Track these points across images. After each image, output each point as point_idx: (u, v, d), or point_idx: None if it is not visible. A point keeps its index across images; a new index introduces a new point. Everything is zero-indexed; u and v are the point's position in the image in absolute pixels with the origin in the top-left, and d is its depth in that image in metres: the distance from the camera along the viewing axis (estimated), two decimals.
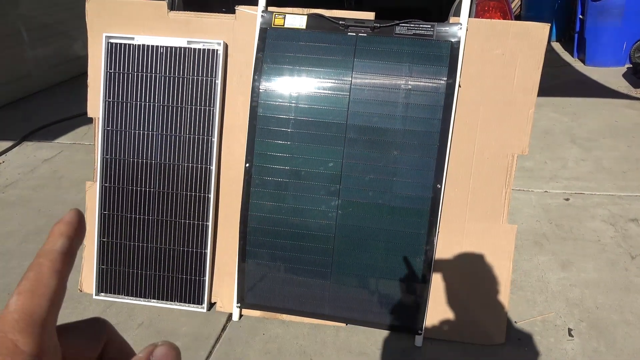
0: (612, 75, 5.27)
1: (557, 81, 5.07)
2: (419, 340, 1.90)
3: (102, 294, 2.10)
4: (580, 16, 5.87)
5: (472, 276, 1.91)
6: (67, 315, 2.06)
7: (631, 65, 5.48)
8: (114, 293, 2.09)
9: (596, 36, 5.59)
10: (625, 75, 5.29)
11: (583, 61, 5.84)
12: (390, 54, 1.81)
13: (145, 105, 1.99)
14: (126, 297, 2.08)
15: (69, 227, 0.26)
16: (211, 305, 2.09)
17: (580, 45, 5.92)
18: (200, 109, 1.97)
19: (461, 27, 1.78)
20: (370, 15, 1.86)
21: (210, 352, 1.88)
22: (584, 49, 5.80)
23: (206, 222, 2.00)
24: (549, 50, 6.37)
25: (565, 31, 6.72)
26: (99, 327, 0.28)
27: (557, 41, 6.82)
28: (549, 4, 6.55)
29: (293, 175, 1.88)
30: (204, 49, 1.95)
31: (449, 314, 1.93)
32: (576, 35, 6.00)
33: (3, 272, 2.34)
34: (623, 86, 4.96)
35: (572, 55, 6.10)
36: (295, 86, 1.86)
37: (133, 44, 1.99)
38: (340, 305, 1.92)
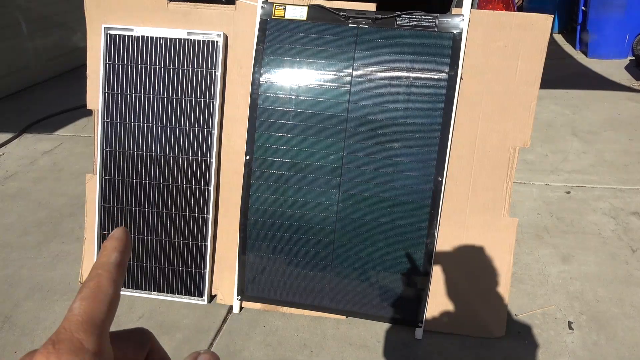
0: (614, 68, 5.25)
1: (559, 73, 5.04)
2: (419, 332, 1.90)
3: None
4: (583, 8, 5.83)
5: (472, 269, 1.91)
6: (67, 307, 2.06)
7: (633, 58, 5.46)
8: None
9: (598, 28, 5.56)
10: (627, 68, 5.26)
11: (585, 53, 5.81)
12: (392, 46, 1.80)
13: (144, 97, 1.98)
14: (127, 290, 2.08)
15: (119, 242, 0.29)
16: (212, 297, 2.09)
17: (583, 37, 5.89)
18: (200, 101, 1.96)
19: (463, 18, 1.77)
20: (371, 7, 1.84)
21: (211, 345, 1.89)
22: (586, 41, 5.76)
23: (206, 214, 2.00)
24: (551, 42, 6.32)
25: (568, 23, 6.68)
26: (144, 336, 0.31)
27: (559, 33, 6.78)
28: None
29: (293, 168, 1.87)
30: (203, 41, 1.94)
31: (449, 307, 1.93)
32: (578, 27, 5.96)
33: (3, 264, 2.34)
34: (625, 79, 4.94)
35: (574, 48, 6.07)
36: (296, 78, 1.85)
37: (132, 35, 1.97)
38: (341, 298, 1.93)
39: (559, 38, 6.61)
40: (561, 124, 3.85)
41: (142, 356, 0.31)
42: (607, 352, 1.83)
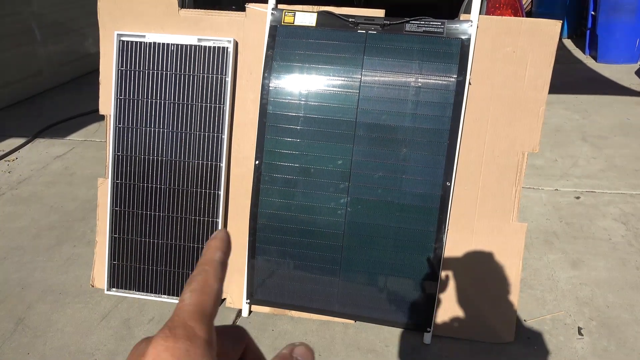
0: (624, 73, 5.22)
1: (568, 78, 5.02)
2: (427, 337, 1.90)
3: (114, 289, 2.12)
4: (592, 12, 5.80)
5: (481, 274, 1.91)
6: (79, 309, 2.09)
7: None
8: (125, 288, 2.11)
9: (608, 33, 5.54)
10: (637, 73, 5.23)
11: (595, 58, 5.78)
12: (400, 52, 1.81)
13: (156, 102, 2.01)
14: (137, 293, 2.10)
15: (222, 242, 0.31)
16: (221, 301, 2.10)
17: (592, 42, 5.86)
18: (210, 107, 1.98)
19: (472, 24, 1.78)
20: (380, 13, 1.86)
21: None
22: (595, 46, 5.74)
23: (216, 218, 2.02)
24: (560, 47, 6.30)
25: (577, 28, 6.66)
26: (241, 333, 0.33)
27: (568, 38, 6.75)
28: (560, 0, 6.49)
29: (302, 173, 1.89)
30: (214, 47, 1.96)
31: (458, 312, 1.93)
32: (588, 32, 5.94)
33: (17, 267, 2.38)
34: (635, 83, 4.91)
35: (584, 52, 6.05)
36: (305, 84, 1.87)
37: (144, 42, 2.00)
38: (349, 302, 1.93)
39: (568, 43, 6.58)
40: (571, 129, 3.84)
41: (239, 353, 0.32)
42: (618, 358, 1.82)
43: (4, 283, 2.27)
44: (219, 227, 2.02)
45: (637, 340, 1.90)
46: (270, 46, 1.89)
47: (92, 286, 2.21)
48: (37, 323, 2.03)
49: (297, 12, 1.89)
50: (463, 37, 1.78)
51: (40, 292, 2.21)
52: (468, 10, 1.80)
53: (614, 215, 2.70)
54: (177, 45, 1.98)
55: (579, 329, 1.96)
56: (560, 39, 6.59)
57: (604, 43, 5.60)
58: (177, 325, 0.26)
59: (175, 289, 2.07)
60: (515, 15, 2.08)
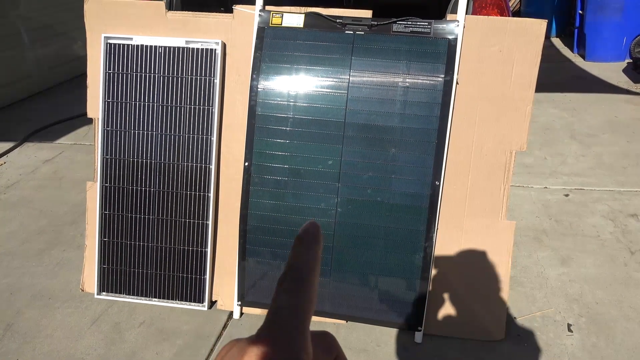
0: (612, 71, 5.27)
1: (557, 77, 5.07)
2: (418, 336, 1.91)
3: (104, 293, 2.11)
4: (580, 11, 5.86)
5: (471, 272, 1.92)
6: (69, 314, 2.08)
7: (631, 60, 5.47)
8: (116, 292, 2.10)
9: (596, 31, 5.59)
10: (625, 71, 5.28)
11: (583, 57, 5.83)
12: (388, 52, 1.82)
13: (144, 105, 2.00)
14: (127, 296, 2.09)
15: (313, 235, 0.30)
16: (212, 303, 2.10)
17: (580, 40, 5.92)
18: (199, 109, 1.98)
19: (458, 24, 1.79)
20: (367, 14, 1.86)
21: (212, 350, 1.89)
22: (583, 45, 5.79)
23: (206, 220, 2.01)
24: (549, 46, 6.36)
25: (565, 27, 6.71)
26: (331, 341, 0.31)
27: (557, 37, 6.81)
28: None
29: (292, 174, 1.89)
30: (202, 49, 1.96)
31: (449, 310, 1.94)
32: (576, 31, 5.99)
33: (5, 273, 2.36)
34: (623, 81, 4.96)
35: (572, 51, 6.09)
36: (294, 85, 1.87)
37: (131, 44, 1.99)
38: (340, 303, 1.93)
39: (557, 42, 6.64)
40: (559, 127, 3.87)
41: (330, 359, 0.30)
42: (607, 354, 1.83)
43: None
44: (209, 230, 2.01)
45: (625, 335, 1.91)
46: (258, 47, 1.89)
47: (82, 290, 2.19)
48: (27, 328, 2.02)
49: (284, 14, 1.89)
50: (450, 37, 1.79)
51: (29, 297, 2.19)
52: (455, 10, 1.82)
53: (603, 212, 2.72)
54: (165, 47, 1.98)
55: (569, 325, 1.97)
56: (548, 37, 6.64)
57: (592, 41, 5.65)
58: (273, 330, 0.25)
59: (165, 292, 2.07)
60: (502, 14, 2.10)
